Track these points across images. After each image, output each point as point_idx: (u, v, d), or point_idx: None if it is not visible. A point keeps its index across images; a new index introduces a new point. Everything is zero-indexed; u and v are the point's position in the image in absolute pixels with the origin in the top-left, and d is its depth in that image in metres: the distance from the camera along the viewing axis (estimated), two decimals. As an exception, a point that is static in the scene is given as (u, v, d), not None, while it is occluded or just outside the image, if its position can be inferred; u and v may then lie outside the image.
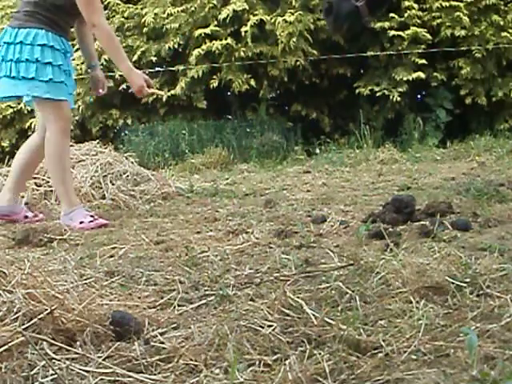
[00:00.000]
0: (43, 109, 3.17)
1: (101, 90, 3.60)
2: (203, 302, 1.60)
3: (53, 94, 3.10)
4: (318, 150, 7.08)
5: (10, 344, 1.17)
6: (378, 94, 7.39)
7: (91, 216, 3.07)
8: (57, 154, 3.13)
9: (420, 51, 7.32)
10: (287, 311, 1.44)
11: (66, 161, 3.20)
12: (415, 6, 7.57)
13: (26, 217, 3.29)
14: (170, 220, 3.04)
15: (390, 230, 2.25)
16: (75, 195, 3.26)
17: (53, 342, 1.24)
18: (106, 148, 4.37)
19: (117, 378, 1.15)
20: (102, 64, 7.51)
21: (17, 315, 1.27)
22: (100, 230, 2.89)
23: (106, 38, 3.21)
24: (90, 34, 3.46)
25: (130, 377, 1.15)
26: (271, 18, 7.43)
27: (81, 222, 2.99)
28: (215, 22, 7.46)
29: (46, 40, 3.10)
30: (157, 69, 7.72)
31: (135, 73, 3.28)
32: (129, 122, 7.78)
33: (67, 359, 1.21)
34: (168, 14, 7.56)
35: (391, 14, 7.41)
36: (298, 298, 1.51)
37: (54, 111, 3.13)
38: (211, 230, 2.63)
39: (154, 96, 7.60)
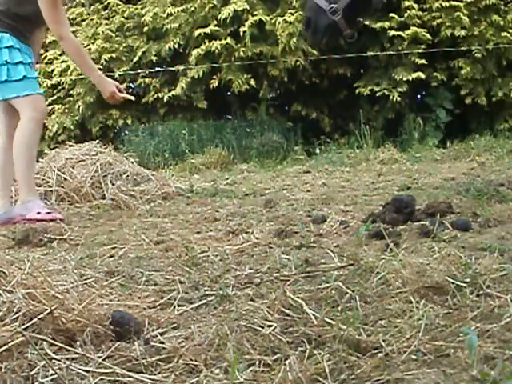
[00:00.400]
0: (21, 104, 3.23)
1: None
2: (203, 301, 1.60)
3: (30, 89, 3.21)
4: (317, 150, 7.08)
5: (9, 344, 1.17)
6: (378, 94, 7.39)
7: (48, 209, 3.16)
8: (27, 143, 3.20)
9: (420, 51, 7.32)
10: (287, 311, 1.44)
11: (34, 151, 3.27)
12: (415, 6, 7.57)
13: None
14: (170, 220, 3.04)
15: (390, 230, 2.25)
16: (35, 187, 3.34)
17: (53, 342, 1.24)
18: (105, 148, 4.37)
19: (117, 378, 1.15)
20: (101, 64, 7.53)
21: (17, 315, 1.27)
22: (100, 230, 2.89)
23: (73, 49, 3.35)
24: (41, 39, 3.64)
25: (129, 377, 1.15)
26: (271, 18, 7.43)
27: (38, 213, 3.09)
28: (215, 22, 7.46)
29: (12, 42, 3.18)
30: (157, 69, 7.73)
31: (105, 80, 3.42)
32: (129, 121, 7.78)
33: (67, 359, 1.21)
34: (168, 14, 7.57)
35: (391, 14, 7.42)
36: (297, 298, 1.51)
37: (31, 104, 3.21)
38: (211, 230, 2.63)
39: (155, 96, 7.61)
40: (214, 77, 7.49)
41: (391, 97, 7.29)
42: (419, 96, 8.01)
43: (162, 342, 1.30)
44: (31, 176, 3.25)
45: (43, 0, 3.17)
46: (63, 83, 7.84)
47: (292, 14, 7.31)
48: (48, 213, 3.11)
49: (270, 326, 1.35)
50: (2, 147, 3.36)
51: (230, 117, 7.90)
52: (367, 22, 6.97)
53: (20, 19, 3.21)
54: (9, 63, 3.14)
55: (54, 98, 7.97)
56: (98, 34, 7.74)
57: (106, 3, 8.02)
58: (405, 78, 7.26)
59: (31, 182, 3.24)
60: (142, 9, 7.81)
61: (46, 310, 1.27)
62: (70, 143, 4.51)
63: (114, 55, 7.58)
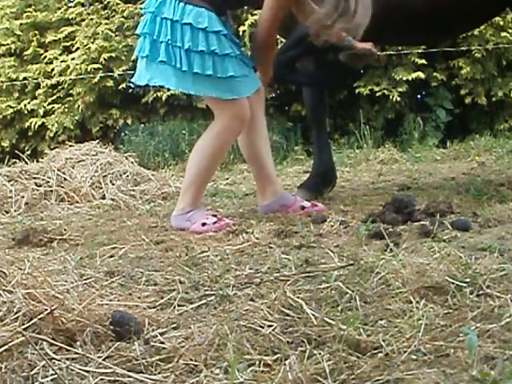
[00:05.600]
0: (218, 106, 2.74)
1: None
2: (203, 301, 1.60)
3: (234, 92, 2.67)
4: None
5: (10, 344, 1.17)
6: (377, 94, 7.39)
7: (214, 216, 2.69)
8: (213, 150, 2.73)
9: (420, 51, 7.31)
10: (287, 311, 1.44)
11: (217, 162, 2.87)
12: (415, 6, 7.57)
13: (303, 207, 2.90)
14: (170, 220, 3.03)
15: (390, 230, 2.25)
16: (200, 199, 2.86)
17: (53, 342, 1.24)
18: (106, 148, 4.37)
19: (117, 378, 1.15)
20: (100, 63, 7.53)
21: (17, 315, 1.27)
22: (100, 230, 2.89)
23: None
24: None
25: (129, 377, 1.15)
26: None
27: (203, 224, 2.64)
28: (215, 22, 7.45)
29: (221, 26, 2.62)
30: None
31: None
32: (129, 121, 7.78)
33: (67, 359, 1.21)
34: (168, 14, 7.56)
35: (391, 14, 7.41)
36: (297, 298, 1.51)
37: (229, 109, 2.69)
38: (211, 230, 2.63)
39: (154, 96, 7.61)
40: (214, 77, 7.49)
41: (391, 97, 7.29)
42: (419, 96, 8.00)
43: (162, 342, 1.30)
44: (202, 187, 2.81)
45: None
46: (63, 83, 7.84)
47: (292, 14, 7.32)
48: (215, 222, 2.64)
49: (270, 326, 1.35)
50: (245, 141, 2.91)
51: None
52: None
53: None
54: (216, 54, 2.59)
55: (54, 97, 7.96)
56: (98, 33, 7.73)
57: (105, 3, 8.01)
58: (405, 78, 7.25)
59: (199, 193, 2.79)
60: (141, 8, 7.81)
61: (46, 309, 1.27)
62: (70, 143, 4.50)
63: (113, 54, 7.57)
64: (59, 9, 8.32)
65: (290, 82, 4.63)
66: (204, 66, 2.60)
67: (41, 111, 7.91)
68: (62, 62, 7.86)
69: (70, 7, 8.28)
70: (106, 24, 7.84)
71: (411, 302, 1.44)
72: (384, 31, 3.10)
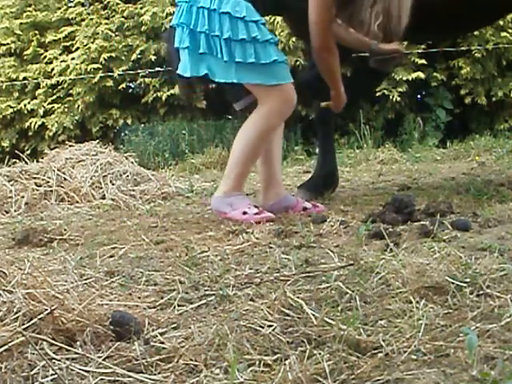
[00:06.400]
0: (264, 93, 2.68)
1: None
2: (203, 301, 1.60)
3: (279, 77, 2.65)
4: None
5: (10, 344, 1.17)
6: (377, 94, 7.39)
7: (255, 207, 2.66)
8: (260, 134, 2.69)
9: (420, 51, 7.31)
10: (287, 311, 1.44)
11: (262, 146, 2.75)
12: (415, 6, 7.57)
13: (305, 208, 2.89)
14: (170, 220, 3.04)
15: (390, 230, 2.25)
16: (243, 183, 2.82)
17: (53, 342, 1.24)
18: (106, 148, 4.37)
19: (117, 378, 1.15)
20: (100, 63, 7.53)
21: (17, 315, 1.27)
22: (100, 230, 2.89)
23: (328, 65, 2.86)
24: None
25: (129, 377, 1.15)
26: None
27: (244, 213, 2.63)
28: (215, 22, 7.46)
29: (258, 16, 2.60)
30: (156, 68, 7.73)
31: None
32: (129, 121, 7.78)
33: (67, 359, 1.21)
34: (167, 14, 7.56)
35: (391, 14, 7.40)
36: (297, 298, 1.51)
37: (276, 95, 2.67)
38: (211, 230, 2.63)
39: (154, 96, 7.61)
40: (214, 77, 7.49)
41: (391, 97, 7.29)
42: (419, 96, 8.00)
43: (162, 342, 1.30)
44: (246, 172, 2.77)
45: None
46: (63, 83, 7.84)
47: (292, 14, 7.31)
48: (256, 213, 2.62)
49: (270, 326, 1.35)
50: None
51: (229, 117, 7.89)
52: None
53: None
54: (257, 40, 2.56)
55: (54, 97, 7.96)
56: (98, 33, 7.74)
57: (105, 2, 8.02)
58: (404, 78, 7.25)
59: (242, 179, 2.75)
60: (141, 8, 7.81)
61: (46, 309, 1.27)
62: (70, 143, 4.50)
63: (113, 54, 7.58)
64: (59, 8, 8.32)
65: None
66: (246, 54, 2.58)
67: (41, 111, 7.92)
68: (61, 61, 7.87)
69: (70, 7, 8.29)
70: (106, 24, 7.84)
71: (411, 302, 1.44)
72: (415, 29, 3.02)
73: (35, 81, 7.99)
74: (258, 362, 1.18)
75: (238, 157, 2.74)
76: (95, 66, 7.54)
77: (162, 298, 1.63)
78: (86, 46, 7.68)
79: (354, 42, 2.92)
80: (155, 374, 1.17)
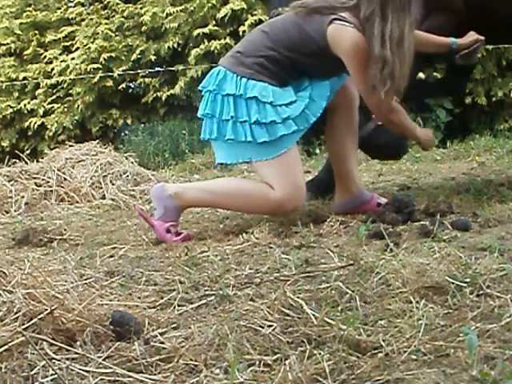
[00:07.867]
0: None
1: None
2: (203, 302, 1.60)
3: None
4: (317, 150, 7.07)
5: (10, 344, 1.17)
6: (377, 94, 7.38)
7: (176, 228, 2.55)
8: (246, 199, 2.56)
9: (420, 51, 7.31)
10: (287, 311, 1.44)
11: (235, 203, 2.60)
12: (415, 5, 7.56)
13: (379, 204, 2.74)
14: (170, 220, 3.03)
15: (390, 230, 2.25)
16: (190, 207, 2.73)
17: (53, 342, 1.24)
18: (106, 148, 4.37)
19: (117, 378, 1.15)
20: (100, 63, 7.53)
21: (17, 315, 1.27)
22: (100, 230, 2.89)
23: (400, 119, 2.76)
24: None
25: (129, 377, 1.15)
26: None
27: (168, 231, 2.50)
28: (214, 22, 7.46)
29: (288, 97, 2.55)
30: (156, 69, 7.73)
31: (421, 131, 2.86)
32: (129, 121, 7.78)
33: (67, 359, 1.21)
34: (167, 14, 7.56)
35: (391, 14, 7.40)
36: (298, 298, 1.51)
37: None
38: (211, 230, 2.63)
39: (154, 96, 7.61)
40: (214, 77, 7.48)
41: (391, 97, 7.30)
42: (419, 96, 8.00)
43: (162, 342, 1.30)
44: (206, 203, 2.71)
45: (350, 63, 2.51)
46: (63, 83, 7.84)
47: (292, 14, 7.31)
48: (177, 235, 2.51)
49: (270, 326, 1.36)
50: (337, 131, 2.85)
51: (229, 117, 7.89)
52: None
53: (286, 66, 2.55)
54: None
55: (54, 97, 7.96)
56: (98, 33, 7.73)
57: (105, 2, 8.02)
58: (405, 78, 7.26)
59: (197, 204, 2.70)
60: (141, 8, 7.81)
61: (46, 309, 1.27)
62: (70, 143, 4.50)
63: (113, 54, 7.57)
64: (59, 8, 8.32)
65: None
66: (269, 133, 2.51)
67: (40, 111, 7.91)
68: (61, 61, 7.87)
69: (70, 7, 8.28)
70: (106, 24, 7.84)
71: (411, 302, 1.44)
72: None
73: (35, 81, 7.99)
74: (257, 362, 1.18)
75: (219, 194, 2.58)
76: (95, 65, 7.53)
77: (162, 298, 1.63)
78: (85, 45, 7.68)
79: (433, 45, 2.90)
80: (155, 374, 1.17)
